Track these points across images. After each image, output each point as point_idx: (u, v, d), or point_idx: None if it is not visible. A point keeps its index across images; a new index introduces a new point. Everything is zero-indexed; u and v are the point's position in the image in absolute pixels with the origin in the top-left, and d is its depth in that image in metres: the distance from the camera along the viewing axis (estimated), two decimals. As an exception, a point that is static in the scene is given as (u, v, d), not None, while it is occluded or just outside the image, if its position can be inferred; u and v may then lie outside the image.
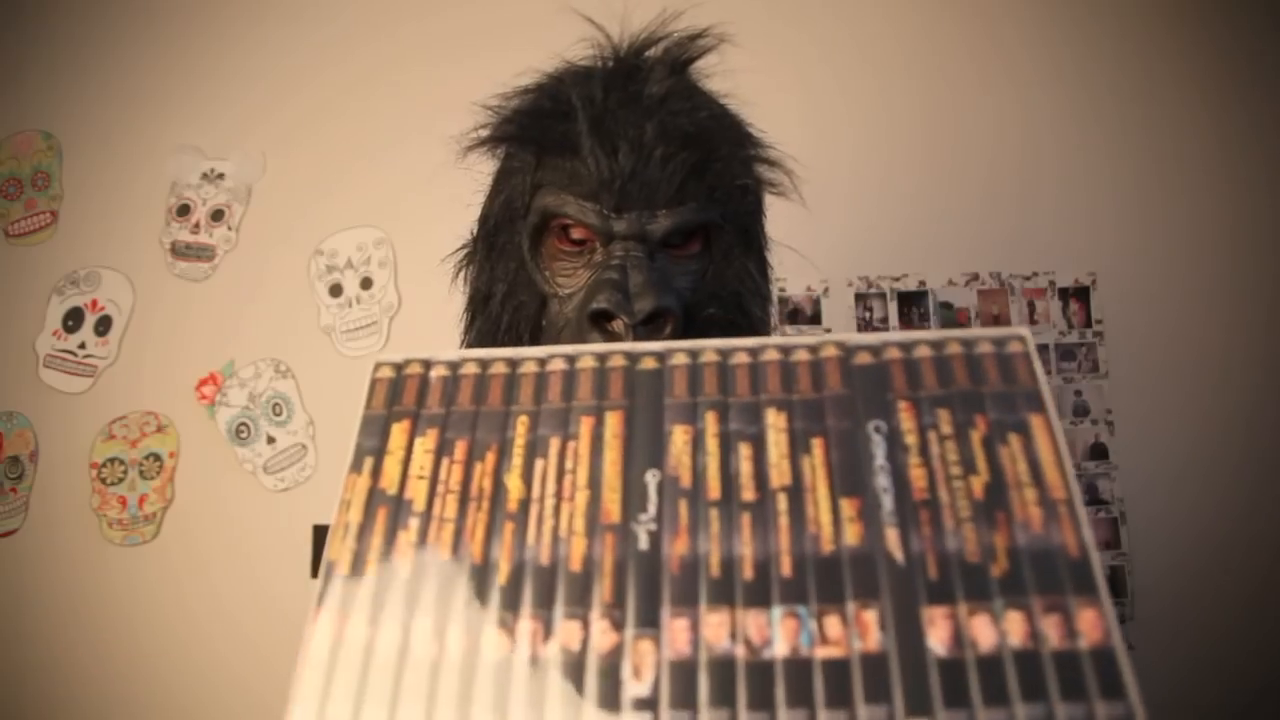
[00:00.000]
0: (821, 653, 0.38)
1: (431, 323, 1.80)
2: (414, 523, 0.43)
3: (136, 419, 1.84)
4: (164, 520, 1.81)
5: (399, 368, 0.49)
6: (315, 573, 1.74)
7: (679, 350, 0.48)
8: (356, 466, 0.45)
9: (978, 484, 0.42)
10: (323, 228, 1.91)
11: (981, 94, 1.88)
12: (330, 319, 1.88)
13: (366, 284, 1.88)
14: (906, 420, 0.44)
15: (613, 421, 0.46)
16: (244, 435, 1.83)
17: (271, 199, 1.93)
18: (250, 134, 1.95)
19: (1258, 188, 1.82)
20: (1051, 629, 0.38)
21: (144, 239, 1.92)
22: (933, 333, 0.48)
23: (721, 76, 0.79)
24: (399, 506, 0.44)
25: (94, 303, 1.89)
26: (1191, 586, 1.69)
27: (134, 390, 1.86)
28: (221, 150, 1.95)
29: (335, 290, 1.88)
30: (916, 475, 0.42)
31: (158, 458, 1.82)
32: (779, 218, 0.86)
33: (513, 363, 0.49)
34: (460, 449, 0.46)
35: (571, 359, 0.48)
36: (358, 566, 0.42)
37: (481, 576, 0.41)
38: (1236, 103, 1.84)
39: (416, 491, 0.44)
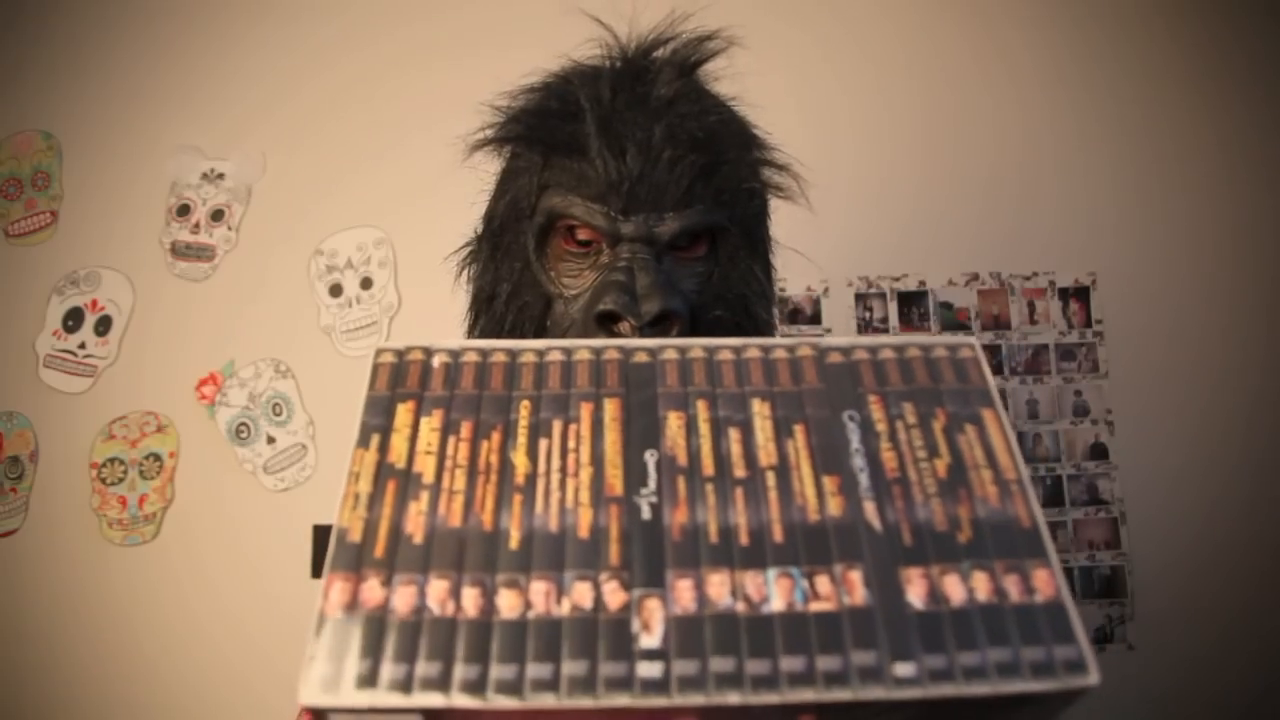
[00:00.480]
0: (815, 607, 0.42)
1: (431, 323, 1.80)
2: (424, 494, 0.45)
3: (136, 419, 1.84)
4: (164, 520, 1.80)
5: (401, 354, 0.51)
6: (315, 573, 1.74)
7: (669, 347, 0.52)
8: (363, 442, 0.47)
9: (941, 465, 0.47)
10: (323, 228, 1.91)
11: (981, 94, 1.88)
12: (330, 319, 1.88)
13: (366, 284, 1.88)
14: (876, 411, 0.49)
15: (611, 407, 0.49)
16: (244, 435, 1.83)
17: (271, 199, 1.93)
18: (250, 134, 1.95)
19: (1258, 187, 1.82)
20: (1012, 586, 0.43)
21: (144, 239, 1.91)
22: (894, 338, 0.53)
23: (728, 79, 0.79)
24: (408, 479, 0.46)
25: (94, 303, 1.89)
26: (1191, 586, 1.70)
27: (134, 390, 1.85)
28: (221, 150, 1.95)
29: (335, 290, 1.88)
30: (888, 457, 0.47)
31: (158, 458, 1.82)
32: (780, 218, 0.86)
33: (512, 353, 0.51)
34: (466, 428, 0.48)
35: (569, 351, 0.51)
36: (369, 533, 0.44)
37: (493, 543, 0.43)
38: (1236, 103, 1.84)
39: (425, 466, 0.46)
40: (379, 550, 0.43)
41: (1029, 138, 1.86)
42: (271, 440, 1.82)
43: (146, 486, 1.81)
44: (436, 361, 0.51)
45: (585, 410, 0.49)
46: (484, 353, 0.51)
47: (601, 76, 0.73)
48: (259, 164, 1.94)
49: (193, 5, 1.99)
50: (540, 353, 0.51)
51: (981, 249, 1.83)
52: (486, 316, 0.80)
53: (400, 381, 0.50)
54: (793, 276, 1.80)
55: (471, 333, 0.83)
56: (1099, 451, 1.76)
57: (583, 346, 0.52)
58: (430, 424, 0.48)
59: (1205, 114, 1.84)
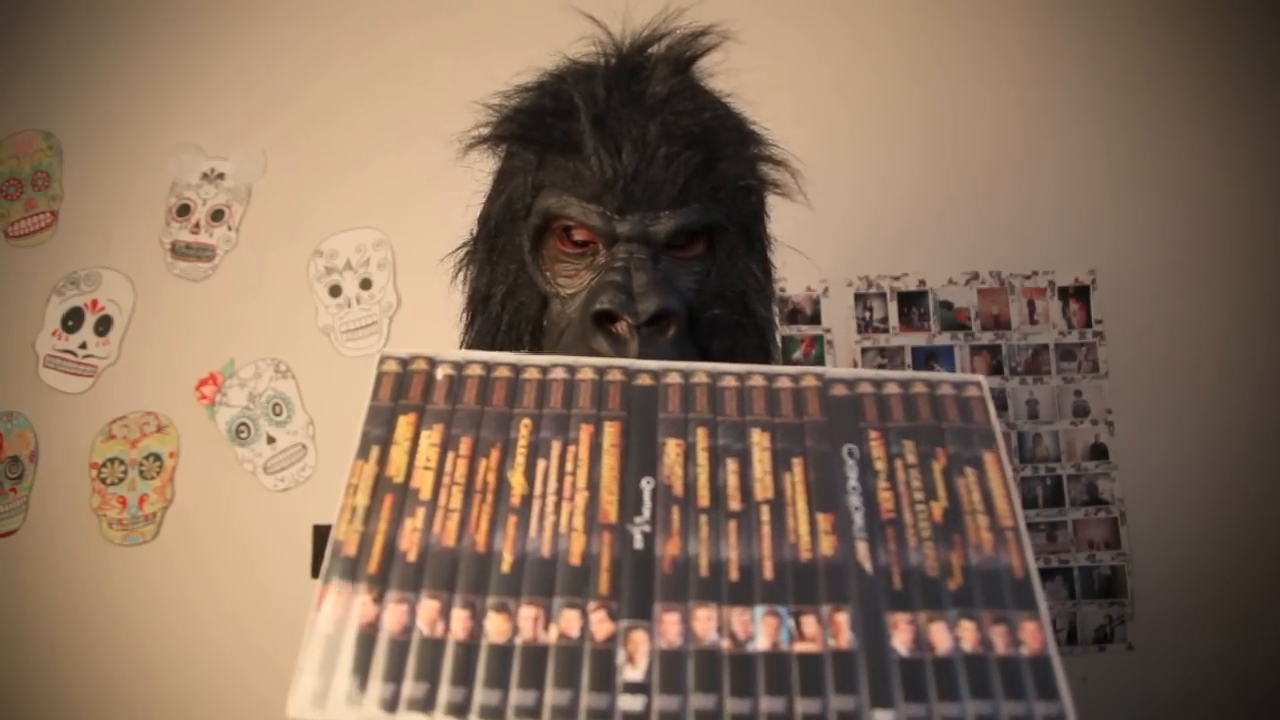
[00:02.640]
0: (799, 648, 0.42)
1: (431, 323, 1.80)
2: (420, 510, 0.45)
3: (136, 419, 1.84)
4: (164, 520, 1.80)
5: (405, 363, 0.51)
6: (315, 573, 1.74)
7: (673, 370, 0.52)
8: (363, 454, 0.47)
9: (937, 508, 0.47)
10: (322, 228, 1.91)
11: (982, 94, 1.87)
12: (330, 319, 1.88)
13: (366, 285, 1.88)
14: (876, 448, 0.49)
15: (610, 431, 0.49)
16: (244, 435, 1.83)
17: (271, 199, 1.93)
18: (251, 134, 1.95)
19: (1258, 187, 1.82)
20: (998, 638, 0.42)
21: (144, 239, 1.92)
22: (901, 373, 0.52)
23: (724, 75, 0.79)
24: (406, 494, 0.46)
25: (94, 303, 1.89)
26: (1192, 586, 1.69)
27: (134, 390, 1.85)
28: (222, 150, 1.95)
29: (335, 291, 1.88)
30: (884, 497, 0.47)
31: (158, 458, 1.82)
32: (779, 217, 0.86)
33: (516, 368, 0.51)
34: (465, 444, 0.48)
35: (572, 369, 0.51)
36: (364, 548, 0.44)
37: (485, 564, 0.44)
38: (1236, 102, 1.84)
39: (423, 481, 0.46)
40: (373, 566, 0.43)
41: (1029, 137, 1.85)
42: (271, 440, 1.82)
43: (146, 486, 1.81)
44: (440, 373, 0.51)
45: (585, 432, 0.49)
46: (488, 366, 0.51)
47: (596, 74, 0.73)
48: (259, 164, 1.94)
49: (193, 5, 1.99)
50: (544, 369, 0.51)
51: (981, 248, 1.83)
52: (482, 317, 0.80)
53: (403, 392, 0.50)
54: (793, 276, 1.80)
55: (467, 333, 0.83)
56: (1099, 451, 1.76)
57: (586, 365, 0.52)
58: (430, 438, 0.48)
59: (1205, 113, 1.84)
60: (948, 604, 0.43)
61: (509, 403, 0.49)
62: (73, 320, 1.88)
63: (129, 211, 1.93)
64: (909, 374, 0.52)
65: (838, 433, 0.49)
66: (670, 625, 0.42)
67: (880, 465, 0.48)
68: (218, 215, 1.92)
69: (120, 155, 1.95)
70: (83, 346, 1.87)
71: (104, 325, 1.88)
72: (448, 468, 0.47)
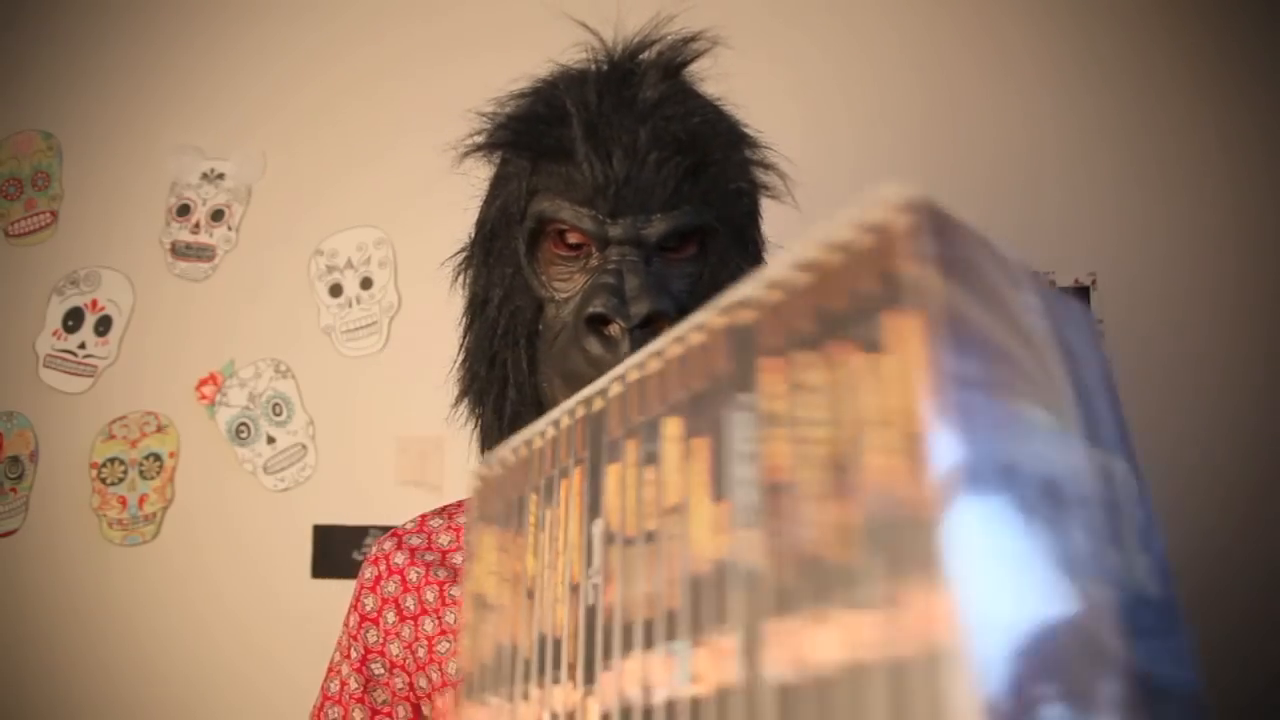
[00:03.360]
0: (691, 691, 0.32)
1: (431, 323, 1.80)
2: (490, 616, 0.48)
3: (136, 419, 1.84)
4: (164, 520, 1.81)
5: (484, 474, 0.53)
6: (315, 572, 1.75)
7: (614, 380, 0.42)
8: (469, 574, 0.50)
9: (839, 440, 0.29)
10: (323, 228, 1.91)
11: (982, 94, 1.87)
12: (330, 319, 1.88)
13: (366, 284, 1.88)
14: (774, 382, 0.32)
15: (576, 479, 0.44)
16: (244, 435, 1.83)
17: (271, 199, 1.93)
18: (250, 134, 1.95)
19: (1260, 187, 1.81)
20: (906, 624, 0.26)
21: (144, 239, 1.92)
22: (805, 245, 0.34)
23: (716, 79, 0.79)
24: (483, 604, 0.49)
25: (94, 303, 1.89)
26: (1192, 587, 1.68)
27: (134, 390, 1.86)
28: (221, 150, 1.95)
29: (335, 290, 1.88)
30: (776, 453, 0.32)
31: (158, 458, 1.83)
32: (777, 219, 0.86)
33: (528, 442, 0.49)
34: (507, 538, 0.49)
35: (556, 422, 0.47)
36: (472, 662, 0.48)
37: (514, 657, 0.45)
38: (1238, 102, 1.83)
39: (490, 587, 0.48)
40: (475, 680, 0.46)
41: (1029, 137, 1.85)
42: (271, 440, 1.83)
43: (146, 486, 1.81)
44: (495, 472, 0.51)
45: (564, 489, 0.45)
46: (514, 450, 0.50)
47: (588, 81, 0.74)
48: (259, 164, 1.94)
49: (193, 5, 1.99)
50: (542, 433, 0.48)
51: (982, 249, 1.82)
52: (480, 322, 0.81)
53: (485, 503, 0.51)
54: (792, 276, 1.80)
55: (465, 337, 0.84)
56: (1099, 452, 1.75)
57: (562, 413, 0.46)
58: (491, 542, 0.49)
59: (1208, 113, 1.83)
60: (834, 588, 0.28)
61: (526, 482, 0.49)
62: (73, 320, 1.88)
63: (129, 211, 1.93)
64: (816, 239, 0.33)
65: (738, 379, 0.34)
66: (609, 685, 0.37)
67: (778, 405, 0.32)
68: (218, 215, 1.92)
69: (120, 155, 1.95)
70: (82, 346, 1.87)
71: (104, 325, 1.88)
72: (501, 567, 0.48)
